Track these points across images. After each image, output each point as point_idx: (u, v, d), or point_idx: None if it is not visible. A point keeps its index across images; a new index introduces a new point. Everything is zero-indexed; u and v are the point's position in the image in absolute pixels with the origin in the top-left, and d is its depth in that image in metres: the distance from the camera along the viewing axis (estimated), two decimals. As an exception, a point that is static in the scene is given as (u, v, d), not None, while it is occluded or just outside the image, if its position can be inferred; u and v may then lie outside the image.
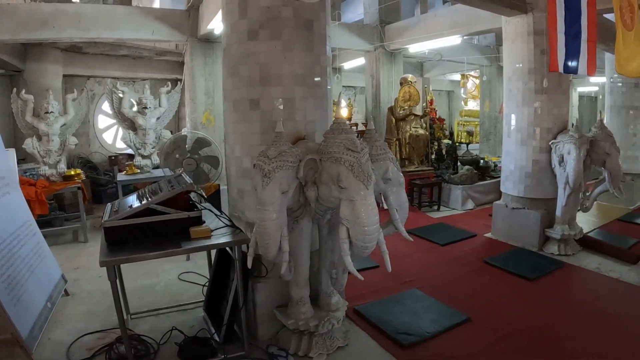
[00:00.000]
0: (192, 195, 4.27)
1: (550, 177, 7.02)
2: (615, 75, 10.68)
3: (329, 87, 4.37)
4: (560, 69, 5.65)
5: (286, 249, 3.40)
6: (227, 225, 3.95)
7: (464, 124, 17.62)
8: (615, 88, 10.95)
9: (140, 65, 12.48)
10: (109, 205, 4.38)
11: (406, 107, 10.32)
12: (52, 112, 8.43)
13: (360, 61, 13.02)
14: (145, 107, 8.72)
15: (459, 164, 11.14)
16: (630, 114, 10.69)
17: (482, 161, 11.27)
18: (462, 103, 19.39)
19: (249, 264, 3.59)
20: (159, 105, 9.01)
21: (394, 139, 10.39)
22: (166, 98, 9.08)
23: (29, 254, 4.79)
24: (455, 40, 10.47)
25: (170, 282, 5.69)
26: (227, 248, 4.02)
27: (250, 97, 4.03)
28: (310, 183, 3.46)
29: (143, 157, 8.83)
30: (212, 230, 3.77)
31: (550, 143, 6.90)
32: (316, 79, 4.15)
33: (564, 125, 7.08)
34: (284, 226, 3.40)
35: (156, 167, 8.79)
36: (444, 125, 14.91)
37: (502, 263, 6.39)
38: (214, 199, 6.43)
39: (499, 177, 8.41)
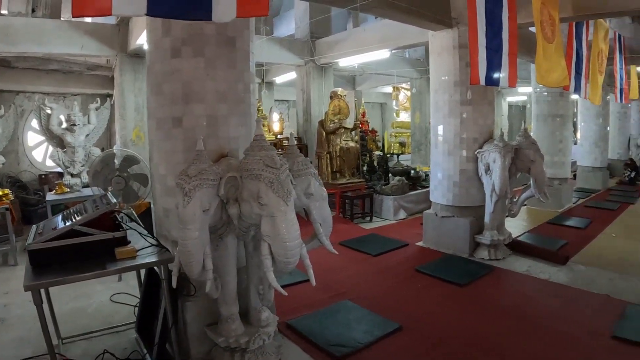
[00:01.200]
0: (121, 215, 4.20)
1: (477, 185, 7.23)
2: (541, 86, 10.94)
3: (252, 103, 4.40)
4: (482, 81, 5.78)
5: (209, 267, 3.39)
6: (153, 245, 3.92)
7: (396, 135, 17.92)
8: (541, 97, 11.39)
9: (71, 80, 12.10)
10: (34, 227, 4.23)
11: (336, 121, 10.41)
12: (-22, 129, 8.04)
13: (292, 75, 13.11)
14: (74, 124, 8.55)
15: (390, 175, 11.28)
16: (556, 122, 11.18)
17: (412, 171, 11.44)
18: (394, 115, 19.74)
19: (174, 284, 3.54)
20: (88, 122, 8.83)
21: (325, 152, 10.46)
22: (95, 115, 8.92)
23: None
24: (384, 54, 10.71)
25: (102, 304, 5.56)
26: (155, 267, 3.98)
27: (173, 115, 4.02)
28: (231, 200, 3.46)
29: (72, 175, 8.65)
30: (137, 250, 3.72)
31: (476, 152, 7.11)
32: (239, 95, 4.18)
33: (489, 135, 7.30)
34: (207, 244, 3.39)
35: (86, 185, 8.58)
36: (376, 137, 15.14)
37: (433, 270, 6.50)
38: (145, 217, 6.34)
39: (429, 187, 8.53)
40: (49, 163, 11.42)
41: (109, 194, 4.50)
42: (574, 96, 11.29)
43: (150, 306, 4.41)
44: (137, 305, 4.82)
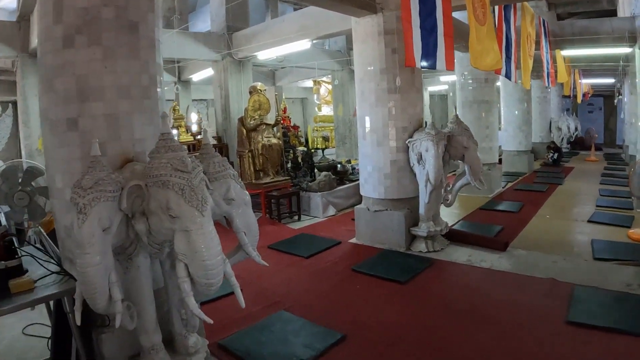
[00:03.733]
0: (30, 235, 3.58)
1: (409, 176, 6.97)
2: (466, 73, 11.25)
3: (161, 98, 3.82)
4: (418, 64, 5.59)
5: (118, 297, 2.82)
6: (54, 272, 3.32)
7: (318, 130, 17.69)
8: (466, 84, 11.42)
9: (-27, 87, 11.20)
10: None
11: (257, 117, 9.86)
12: None
13: (209, 72, 12.59)
14: None
15: (316, 170, 10.87)
16: (482, 108, 11.26)
17: (339, 166, 11.11)
18: (316, 109, 19.55)
19: (78, 320, 2.97)
20: (-13, 133, 8.00)
21: (247, 151, 9.93)
22: (-6, 124, 8.09)
23: None
24: (305, 44, 10.31)
25: (15, 338, 4.82)
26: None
27: (68, 115, 3.38)
28: (138, 214, 2.93)
29: None
30: (35, 281, 3.14)
31: (407, 142, 6.82)
32: (144, 89, 3.61)
33: (419, 124, 7.04)
34: (112, 270, 2.82)
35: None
36: (299, 133, 14.81)
37: (371, 269, 6.16)
38: (54, 235, 5.74)
39: (358, 180, 8.26)
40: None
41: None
42: (498, 83, 11.40)
43: (65, 339, 3.79)
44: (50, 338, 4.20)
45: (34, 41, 7.47)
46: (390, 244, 7.08)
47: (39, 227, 5.74)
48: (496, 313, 4.72)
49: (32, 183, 5.76)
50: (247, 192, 3.46)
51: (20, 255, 3.33)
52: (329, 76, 16.57)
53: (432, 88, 23.26)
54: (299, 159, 11.16)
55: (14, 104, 9.26)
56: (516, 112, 15.19)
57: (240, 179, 3.42)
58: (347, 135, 14.92)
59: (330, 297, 5.48)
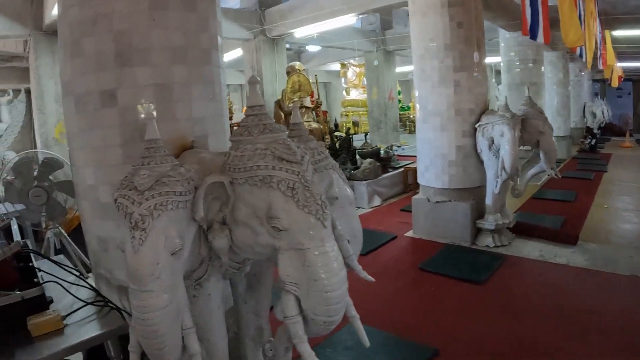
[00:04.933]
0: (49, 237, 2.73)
1: (476, 163, 6.27)
2: (512, 54, 10.84)
3: (221, 66, 3.01)
4: (529, 34, 5.44)
5: (197, 351, 2.00)
6: (89, 303, 2.44)
7: (347, 115, 16.93)
8: (512, 66, 10.96)
9: (-18, 74, 10.49)
10: None
11: (296, 99, 9.11)
12: None
13: (234, 54, 11.93)
14: None
15: (357, 157, 10.05)
16: (529, 90, 10.45)
17: (382, 152, 10.35)
18: (344, 93, 18.78)
19: None
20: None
21: (285, 137, 9.12)
22: (7, 110, 7.28)
23: None
24: (349, 19, 9.55)
25: None
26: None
27: (102, 86, 2.56)
28: (217, 225, 2.07)
29: None
30: (64, 317, 2.29)
31: (476, 125, 6.11)
32: (204, 52, 2.80)
33: (485, 105, 6.35)
34: (186, 311, 2.01)
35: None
36: (327, 118, 14.09)
37: (441, 268, 5.52)
38: (79, 235, 5.02)
39: (401, 167, 7.48)
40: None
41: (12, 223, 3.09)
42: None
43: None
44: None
45: (49, 15, 6.71)
46: (453, 238, 6.42)
47: (59, 227, 5.00)
48: (591, 318, 4.17)
49: (50, 177, 5.01)
50: (350, 188, 2.61)
51: (42, 281, 2.49)
52: (356, 59, 15.78)
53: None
54: (337, 145, 10.31)
55: (27, 91, 8.47)
56: (555, 96, 14.46)
57: (341, 171, 2.58)
58: (383, 120, 14.20)
59: (402, 301, 4.81)
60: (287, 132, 2.14)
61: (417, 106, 6.88)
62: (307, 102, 9.28)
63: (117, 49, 2.53)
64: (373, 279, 2.64)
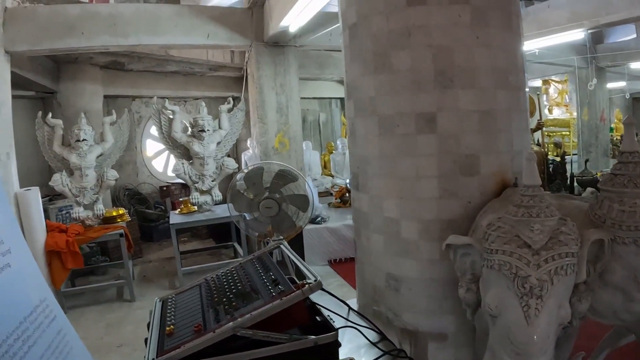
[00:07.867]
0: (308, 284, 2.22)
1: None
2: None
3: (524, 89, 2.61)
4: None
5: None
6: (386, 353, 2.06)
7: (549, 135, 15.69)
8: None
9: (191, 83, 10.94)
10: (151, 321, 2.13)
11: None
12: (84, 139, 6.48)
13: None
14: (203, 130, 6.91)
15: (574, 185, 9.05)
16: None
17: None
18: (547, 111, 17.47)
19: None
20: (219, 127, 7.22)
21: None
22: (227, 118, 7.29)
23: (45, 354, 3.05)
24: (576, 35, 8.73)
25: None
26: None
27: (418, 109, 2.21)
28: (583, 286, 1.73)
29: (202, 192, 7.02)
30: None
31: None
32: (519, 77, 2.43)
33: None
34: None
35: (218, 203, 7.12)
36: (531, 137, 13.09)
37: None
38: (296, 244, 5.30)
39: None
40: (171, 173, 10.18)
41: (283, 245, 2.79)
42: None
43: None
44: None
45: (273, 27, 6.63)
46: None
47: (284, 240, 4.79)
48: None
49: (282, 190, 4.86)
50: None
51: (330, 321, 2.02)
52: (558, 75, 14.63)
53: (610, 85, 18.83)
54: (550, 170, 9.39)
55: (233, 99, 8.55)
56: None
57: None
58: (594, 144, 12.96)
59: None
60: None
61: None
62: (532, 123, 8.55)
63: (437, 67, 2.17)
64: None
